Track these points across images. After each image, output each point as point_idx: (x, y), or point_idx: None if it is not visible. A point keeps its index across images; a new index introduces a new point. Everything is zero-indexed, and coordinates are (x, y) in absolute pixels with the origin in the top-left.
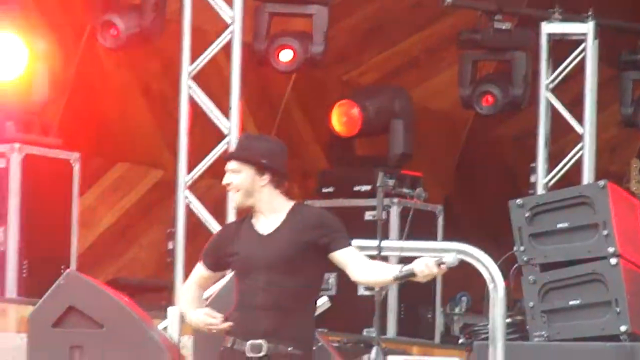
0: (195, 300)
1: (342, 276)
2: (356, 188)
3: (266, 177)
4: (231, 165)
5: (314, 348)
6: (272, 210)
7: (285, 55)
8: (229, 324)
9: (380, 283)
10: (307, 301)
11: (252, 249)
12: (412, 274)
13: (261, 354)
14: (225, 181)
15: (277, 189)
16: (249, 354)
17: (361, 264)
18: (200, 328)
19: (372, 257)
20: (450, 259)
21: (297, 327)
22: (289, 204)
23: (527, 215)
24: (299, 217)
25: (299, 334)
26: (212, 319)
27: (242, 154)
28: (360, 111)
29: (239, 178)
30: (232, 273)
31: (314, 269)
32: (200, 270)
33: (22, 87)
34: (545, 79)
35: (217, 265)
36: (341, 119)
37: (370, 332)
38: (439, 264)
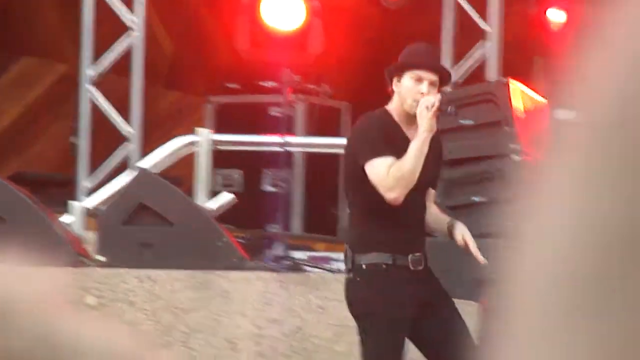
0: None
1: (248, 173)
2: (262, 83)
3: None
4: (431, 76)
5: None
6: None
7: None
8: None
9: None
10: None
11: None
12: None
13: (420, 268)
14: (424, 90)
15: None
16: (414, 268)
17: None
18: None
19: (276, 153)
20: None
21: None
22: None
23: None
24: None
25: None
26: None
27: (446, 72)
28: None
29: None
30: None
31: None
32: (389, 162)
33: None
34: None
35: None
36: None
37: (273, 229)
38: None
